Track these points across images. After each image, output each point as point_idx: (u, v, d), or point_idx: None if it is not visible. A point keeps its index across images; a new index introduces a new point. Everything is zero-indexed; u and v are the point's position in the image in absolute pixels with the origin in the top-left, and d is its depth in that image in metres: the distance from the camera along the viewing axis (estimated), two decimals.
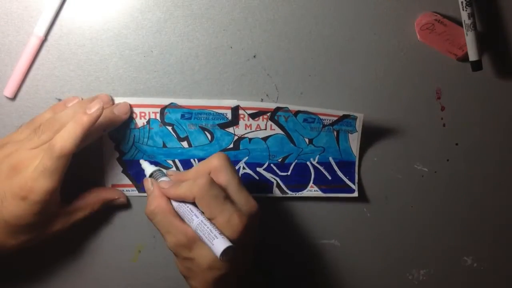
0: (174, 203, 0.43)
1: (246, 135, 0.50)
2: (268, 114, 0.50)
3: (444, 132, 0.55)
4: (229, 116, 0.49)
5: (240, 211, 0.42)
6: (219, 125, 0.50)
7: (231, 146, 0.50)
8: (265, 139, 0.51)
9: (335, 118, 0.51)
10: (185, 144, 0.50)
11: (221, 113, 0.49)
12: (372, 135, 0.53)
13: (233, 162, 0.50)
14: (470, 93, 0.54)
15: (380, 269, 0.57)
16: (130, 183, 0.50)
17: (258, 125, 0.50)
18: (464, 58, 0.52)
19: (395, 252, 0.57)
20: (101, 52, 0.48)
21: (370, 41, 0.52)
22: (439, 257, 0.58)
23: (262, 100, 0.51)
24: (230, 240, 0.39)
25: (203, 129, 0.49)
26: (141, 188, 0.50)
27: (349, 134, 0.52)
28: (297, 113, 0.50)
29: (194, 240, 0.41)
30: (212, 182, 0.41)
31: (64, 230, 0.46)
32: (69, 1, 0.47)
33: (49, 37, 0.47)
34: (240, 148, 0.50)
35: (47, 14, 0.47)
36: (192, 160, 0.50)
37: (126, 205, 0.50)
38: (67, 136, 0.41)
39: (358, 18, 0.51)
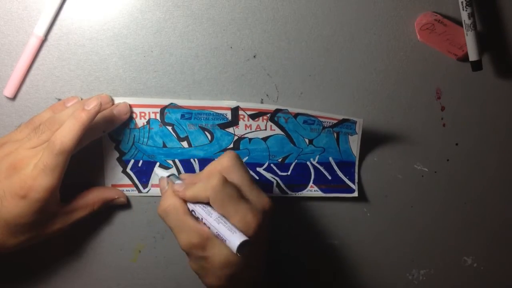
0: (189, 205, 0.43)
1: (246, 135, 0.50)
2: (268, 115, 0.50)
3: (444, 132, 0.55)
4: (229, 116, 0.49)
5: (254, 209, 0.42)
6: (219, 125, 0.50)
7: (231, 146, 0.50)
8: (265, 139, 0.51)
9: (335, 121, 0.51)
10: (185, 144, 0.50)
11: (221, 114, 0.49)
12: (372, 135, 0.53)
13: None
14: (470, 93, 0.54)
15: (380, 269, 0.57)
16: (130, 183, 0.50)
17: (258, 125, 0.50)
18: (464, 58, 0.52)
19: (395, 252, 0.57)
20: (101, 52, 0.48)
21: (370, 41, 0.52)
22: (439, 257, 0.58)
23: (262, 100, 0.51)
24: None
25: (203, 129, 0.49)
26: (141, 188, 0.50)
27: (349, 136, 0.52)
28: (297, 115, 0.50)
29: (208, 239, 0.41)
30: (225, 182, 0.41)
31: (64, 229, 0.46)
32: (69, 1, 0.47)
33: (49, 37, 0.47)
34: (240, 148, 0.50)
35: (47, 14, 0.47)
36: (192, 160, 0.50)
37: (126, 205, 0.50)
38: (66, 132, 0.41)
39: (358, 18, 0.51)
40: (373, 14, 0.51)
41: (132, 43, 0.48)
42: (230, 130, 0.50)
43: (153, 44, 0.49)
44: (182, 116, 0.49)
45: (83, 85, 0.48)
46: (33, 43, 0.47)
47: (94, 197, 0.48)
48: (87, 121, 0.42)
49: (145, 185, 0.50)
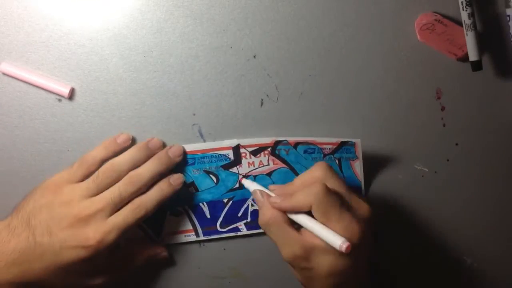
0: (289, 215, 0.43)
1: (250, 173, 0.50)
2: (269, 149, 0.50)
3: (444, 132, 0.55)
4: (231, 156, 0.49)
5: (356, 216, 0.41)
6: (222, 166, 0.49)
7: (237, 185, 0.50)
8: (269, 174, 0.50)
9: (335, 146, 0.51)
10: (192, 189, 0.50)
11: (222, 154, 0.49)
12: (372, 135, 0.53)
13: (240, 201, 0.50)
14: (470, 93, 0.54)
15: (380, 269, 0.57)
16: (142, 232, 0.50)
17: (260, 161, 0.50)
18: (464, 58, 0.52)
19: (395, 252, 0.57)
20: (101, 52, 0.48)
21: (370, 41, 0.52)
22: (440, 257, 0.58)
23: (262, 101, 0.51)
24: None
25: (208, 172, 0.49)
26: (154, 237, 0.50)
27: (351, 161, 0.52)
28: (296, 145, 0.50)
29: (312, 249, 0.41)
30: (328, 189, 0.41)
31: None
32: (69, 1, 0.47)
33: (49, 37, 0.47)
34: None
35: None
36: (201, 204, 0.50)
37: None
38: (153, 205, 0.45)
39: (358, 18, 0.51)
40: (373, 14, 0.51)
41: (132, 43, 0.48)
42: (234, 170, 0.50)
43: (153, 44, 0.49)
44: (186, 162, 0.49)
45: (83, 85, 0.48)
46: None
47: (138, 255, 0.49)
48: (169, 195, 0.46)
49: (158, 233, 0.50)
